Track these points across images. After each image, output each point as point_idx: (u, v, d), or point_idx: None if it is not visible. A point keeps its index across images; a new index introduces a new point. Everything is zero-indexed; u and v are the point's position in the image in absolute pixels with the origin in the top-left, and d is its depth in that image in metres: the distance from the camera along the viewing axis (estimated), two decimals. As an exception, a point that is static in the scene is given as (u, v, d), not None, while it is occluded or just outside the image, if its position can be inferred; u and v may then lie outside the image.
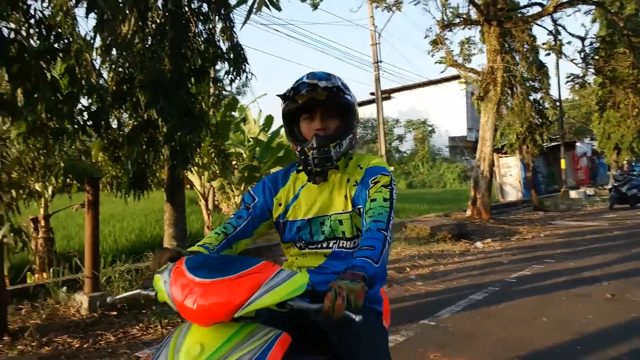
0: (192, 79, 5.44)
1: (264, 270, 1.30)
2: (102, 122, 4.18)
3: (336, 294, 1.29)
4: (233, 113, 9.58)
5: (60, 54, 4.12)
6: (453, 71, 14.71)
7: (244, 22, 4.57)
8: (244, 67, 5.86)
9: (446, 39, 13.47)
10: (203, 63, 5.60)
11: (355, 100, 1.81)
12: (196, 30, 5.54)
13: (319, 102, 1.72)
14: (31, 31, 3.94)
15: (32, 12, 3.94)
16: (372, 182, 1.72)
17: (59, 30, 4.07)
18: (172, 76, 4.89)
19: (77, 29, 3.98)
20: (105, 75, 4.73)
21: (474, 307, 4.80)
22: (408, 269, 6.51)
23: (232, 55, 5.69)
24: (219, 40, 5.77)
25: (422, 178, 29.90)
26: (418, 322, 4.32)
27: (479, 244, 8.41)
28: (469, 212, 12.25)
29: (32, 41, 3.92)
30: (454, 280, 5.95)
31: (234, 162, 9.56)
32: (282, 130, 10.94)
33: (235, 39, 5.88)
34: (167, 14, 5.08)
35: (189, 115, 4.76)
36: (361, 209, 1.74)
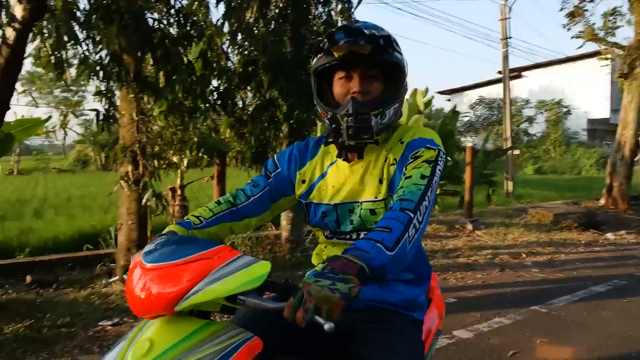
0: (312, 60, 5.72)
1: (218, 256, 1.09)
2: (229, 102, 4.61)
3: (300, 302, 0.97)
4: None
5: (196, 40, 4.63)
6: (594, 46, 13.38)
7: (358, 3, 4.70)
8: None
9: (585, 10, 12.26)
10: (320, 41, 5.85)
11: (406, 61, 1.45)
12: (316, 13, 5.80)
13: (360, 59, 1.35)
14: (171, 20, 4.48)
15: (172, 2, 4.48)
16: (412, 157, 1.36)
17: (195, 18, 4.56)
18: (292, 58, 5.19)
19: (209, 17, 4.42)
20: (233, 58, 5.17)
21: (593, 298, 4.51)
22: (524, 255, 6.24)
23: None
24: (337, 21, 5.97)
25: (553, 164, 27.70)
26: (528, 307, 4.20)
27: (609, 236, 7.73)
28: (602, 201, 11.22)
29: (171, 29, 4.46)
30: (575, 270, 5.60)
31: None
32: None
33: (353, 19, 6.04)
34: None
35: (306, 94, 5.03)
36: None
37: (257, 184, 1.56)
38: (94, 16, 3.46)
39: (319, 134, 8.22)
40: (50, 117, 7.04)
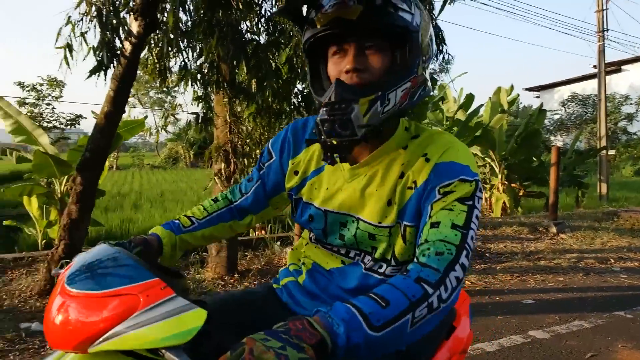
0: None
1: (147, 293, 0.89)
2: (312, 105, 4.91)
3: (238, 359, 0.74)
4: (432, 92, 9.78)
5: (283, 46, 4.97)
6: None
7: (441, 10, 4.79)
8: (441, 48, 6.07)
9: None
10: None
11: (422, 20, 1.06)
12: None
13: (354, 26, 1.02)
14: (261, 28, 4.85)
15: (262, 12, 4.85)
16: (441, 190, 1.04)
17: (283, 26, 4.90)
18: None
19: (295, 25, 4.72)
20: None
21: (686, 307, 4.30)
22: (612, 260, 5.99)
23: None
24: (418, 24, 6.08)
25: (657, 165, 25.58)
26: (611, 312, 4.10)
27: None
28: None
29: (261, 37, 4.83)
30: (669, 278, 5.31)
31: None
32: (482, 109, 10.79)
33: (434, 20, 6.11)
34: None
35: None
36: (408, 230, 1.09)
37: (252, 178, 1.36)
38: (197, 29, 3.86)
39: None
40: (146, 116, 7.73)
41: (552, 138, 27.71)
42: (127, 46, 3.72)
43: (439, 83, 10.22)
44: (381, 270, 1.14)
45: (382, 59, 1.05)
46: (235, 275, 4.94)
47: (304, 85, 5.20)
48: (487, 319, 3.94)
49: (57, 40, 3.72)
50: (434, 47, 1.14)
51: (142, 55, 4.24)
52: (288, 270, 1.33)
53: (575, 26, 29.96)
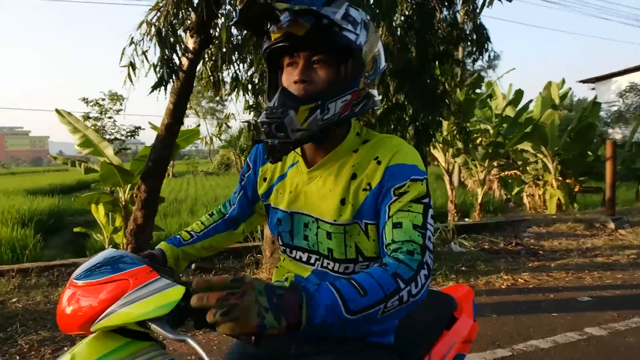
0: (436, 63, 5.92)
1: (136, 277, 1.07)
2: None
3: (229, 290, 0.84)
4: (479, 90, 9.68)
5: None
6: None
7: (481, 9, 4.81)
8: (486, 46, 6.05)
9: None
10: (446, 47, 6.02)
11: (367, 39, 1.16)
12: (440, 17, 5.98)
13: (304, 42, 1.13)
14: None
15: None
16: (396, 192, 1.13)
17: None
18: (417, 63, 5.45)
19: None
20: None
21: None
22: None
23: (474, 37, 5.96)
24: (462, 23, 6.09)
25: None
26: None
27: None
28: None
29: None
30: None
31: (479, 139, 9.70)
32: (532, 105, 10.55)
33: (478, 20, 6.11)
34: (414, 6, 5.65)
35: (431, 97, 5.26)
36: (370, 227, 1.19)
37: (236, 191, 1.50)
38: (247, 43, 4.09)
39: (448, 135, 8.33)
40: (199, 125, 8.08)
41: (610, 131, 26.47)
42: (184, 62, 3.99)
43: (486, 80, 10.08)
44: (349, 271, 1.23)
45: (327, 72, 1.14)
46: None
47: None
48: (540, 316, 3.93)
49: (121, 60, 4.03)
50: (382, 63, 1.24)
51: (197, 69, 4.51)
52: (279, 282, 1.42)
53: (634, 16, 28.16)
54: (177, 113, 4.16)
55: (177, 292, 1.05)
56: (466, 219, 8.99)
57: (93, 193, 6.42)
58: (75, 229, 6.93)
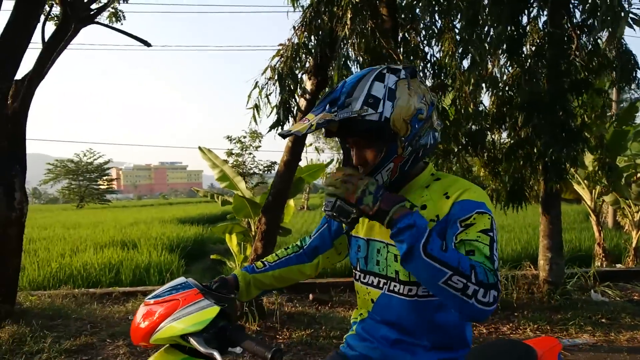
0: (573, 94, 5.45)
1: (185, 297, 1.26)
2: (478, 144, 4.85)
3: (353, 182, 1.20)
4: (637, 121, 8.64)
5: (451, 88, 5.07)
6: None
7: (619, 38, 4.37)
8: (634, 74, 5.45)
9: None
10: (585, 75, 5.54)
11: (394, 108, 1.25)
12: (578, 43, 5.54)
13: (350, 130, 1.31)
14: (427, 73, 5.03)
15: (428, 57, 5.04)
16: (462, 223, 1.23)
17: (448, 68, 5.00)
18: (548, 94, 5.09)
19: (460, 68, 4.80)
20: (486, 101, 5.38)
21: None
22: None
23: (619, 64, 5.41)
24: (605, 50, 5.56)
25: None
26: None
27: None
28: None
29: (428, 80, 4.99)
30: None
31: (634, 176, 8.60)
32: None
33: (624, 46, 5.54)
34: (545, 36, 5.33)
35: (563, 130, 4.85)
36: None
37: (320, 224, 1.62)
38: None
39: (579, 172, 7.55)
40: (332, 160, 8.36)
41: None
42: (302, 102, 4.23)
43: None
44: (411, 294, 1.33)
45: (372, 152, 1.30)
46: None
47: (471, 124, 5.18)
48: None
49: (247, 102, 4.42)
50: (418, 117, 1.30)
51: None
52: (351, 327, 1.53)
53: None
54: (294, 150, 4.40)
55: (212, 311, 1.22)
56: (617, 265, 7.95)
57: (227, 223, 6.98)
58: (212, 256, 7.57)
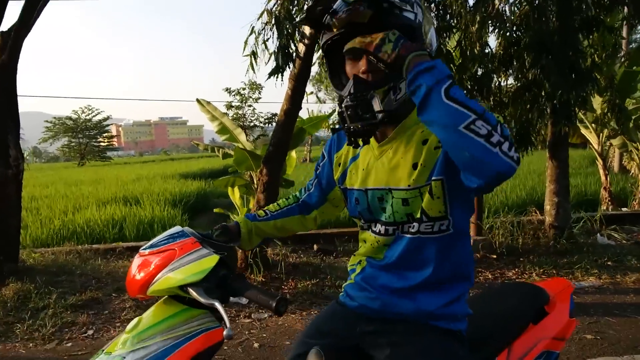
0: (582, 33, 5.22)
1: (181, 247, 1.19)
2: (484, 87, 4.67)
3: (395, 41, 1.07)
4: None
5: (455, 30, 4.83)
6: None
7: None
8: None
9: None
10: (596, 12, 5.28)
11: (424, 18, 1.20)
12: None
13: (365, 29, 1.13)
14: (431, 14, 4.77)
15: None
16: None
17: (454, 8, 4.74)
18: (557, 33, 4.86)
19: (467, 6, 4.55)
20: (492, 43, 5.15)
21: None
22: None
23: (633, -2, 5.15)
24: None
25: None
26: None
27: None
28: None
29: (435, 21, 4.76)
30: None
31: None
32: None
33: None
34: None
35: (573, 71, 4.67)
36: (434, 184, 1.19)
37: (312, 179, 1.56)
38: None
39: (588, 114, 7.38)
40: (333, 111, 8.18)
41: None
42: (301, 48, 4.04)
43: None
44: (413, 230, 1.23)
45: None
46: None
47: (476, 67, 4.97)
48: None
49: (244, 50, 4.22)
50: (434, 41, 1.26)
51: (318, 54, 4.54)
52: (349, 275, 1.45)
53: None
54: (295, 98, 4.24)
55: (211, 260, 1.15)
56: (623, 209, 7.91)
57: (229, 177, 6.89)
58: (215, 210, 7.53)
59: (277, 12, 3.97)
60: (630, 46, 8.39)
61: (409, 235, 1.24)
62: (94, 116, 48.19)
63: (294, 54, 4.07)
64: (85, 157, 45.01)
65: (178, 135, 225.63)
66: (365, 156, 1.34)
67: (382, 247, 1.30)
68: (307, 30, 4.00)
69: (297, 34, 4.11)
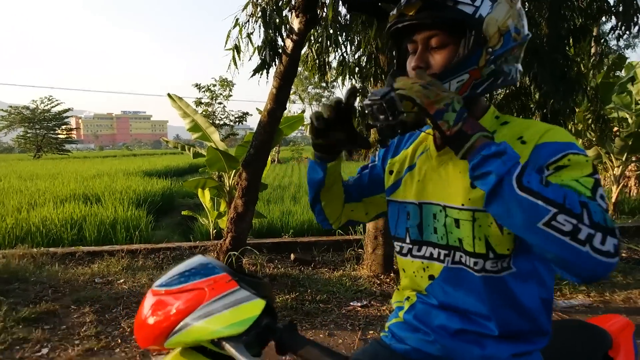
0: (571, 40, 5.15)
1: (212, 286, 0.94)
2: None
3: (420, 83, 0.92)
4: (619, 73, 8.48)
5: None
6: None
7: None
8: (635, 19, 5.16)
9: None
10: (584, 21, 5.21)
11: (492, 10, 1.00)
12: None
13: (418, 23, 1.02)
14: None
15: None
16: (550, 167, 0.94)
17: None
18: (548, 40, 4.75)
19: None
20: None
21: None
22: None
23: (620, 8, 5.09)
24: (612, -6, 5.23)
25: None
26: None
27: None
28: None
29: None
30: None
31: (615, 129, 8.51)
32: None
33: (633, -7, 5.21)
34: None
35: (563, 79, 4.55)
36: None
37: (359, 172, 1.38)
38: (355, 21, 3.75)
39: (579, 124, 7.39)
40: (304, 111, 7.87)
41: None
42: (289, 44, 3.74)
43: (627, 61, 8.78)
44: (477, 268, 1.04)
45: (445, 54, 1.03)
46: (391, 275, 4.77)
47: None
48: None
49: (226, 43, 3.89)
50: (522, 33, 1.06)
51: (302, 52, 4.26)
52: (394, 312, 1.25)
53: None
54: (280, 98, 3.94)
55: (255, 307, 0.92)
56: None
57: (200, 178, 6.53)
58: (183, 212, 7.14)
59: (263, 3, 3.66)
60: (614, 56, 8.48)
61: (465, 268, 1.06)
62: (53, 107, 46.28)
63: (281, 50, 3.77)
64: (42, 149, 43.14)
65: (141, 130, 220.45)
66: (423, 165, 1.17)
67: (426, 277, 1.12)
68: (295, 24, 3.71)
69: (283, 30, 3.82)
